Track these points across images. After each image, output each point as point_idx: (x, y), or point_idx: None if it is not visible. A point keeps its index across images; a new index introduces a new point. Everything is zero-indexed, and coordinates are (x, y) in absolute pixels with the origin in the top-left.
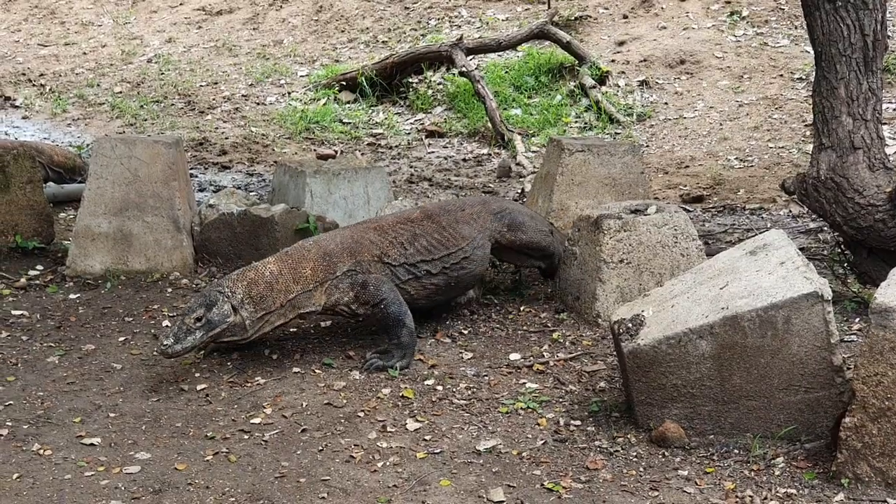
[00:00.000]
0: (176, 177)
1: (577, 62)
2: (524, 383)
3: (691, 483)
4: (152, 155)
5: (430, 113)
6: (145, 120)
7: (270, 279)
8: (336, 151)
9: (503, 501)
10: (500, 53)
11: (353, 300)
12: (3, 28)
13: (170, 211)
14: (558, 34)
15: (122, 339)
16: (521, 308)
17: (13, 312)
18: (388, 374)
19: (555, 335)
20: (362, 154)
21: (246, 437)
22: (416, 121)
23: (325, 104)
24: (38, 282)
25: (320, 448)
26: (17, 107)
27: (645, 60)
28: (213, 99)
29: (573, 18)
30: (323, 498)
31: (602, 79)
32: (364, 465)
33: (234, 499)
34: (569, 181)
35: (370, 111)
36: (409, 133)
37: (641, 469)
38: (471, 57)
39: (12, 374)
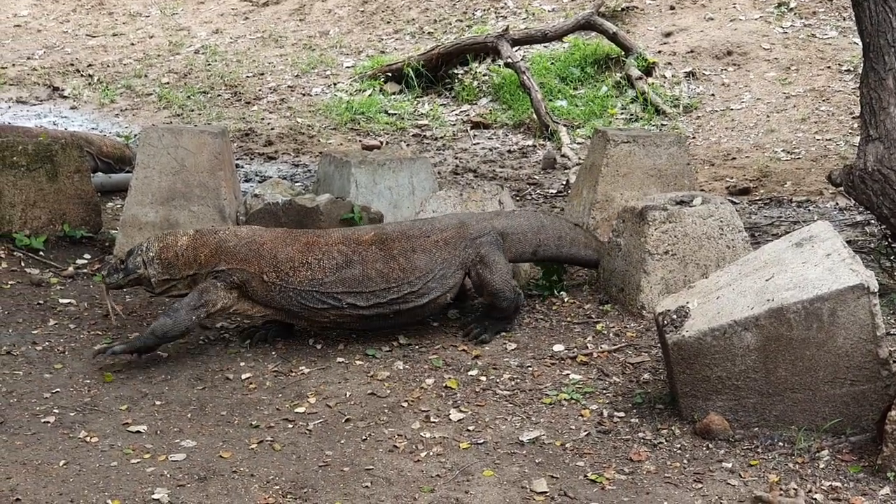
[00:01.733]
0: (222, 166)
1: (623, 53)
2: (568, 374)
3: (735, 475)
4: (198, 144)
5: (476, 104)
6: (192, 110)
7: (178, 251)
8: (381, 142)
9: (546, 492)
10: (546, 44)
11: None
12: (52, 19)
13: (215, 200)
14: (605, 25)
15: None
16: (565, 299)
17: (61, 301)
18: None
19: (598, 326)
20: (407, 145)
21: (290, 425)
22: (461, 112)
23: (370, 95)
24: (85, 270)
25: (364, 438)
26: (65, 97)
27: (692, 52)
28: (259, 90)
29: (620, 9)
30: (366, 487)
31: (648, 70)
32: (407, 454)
33: (278, 487)
34: (614, 172)
35: (415, 102)
36: (454, 124)
37: (685, 461)
38: (516, 48)
39: (60, 362)
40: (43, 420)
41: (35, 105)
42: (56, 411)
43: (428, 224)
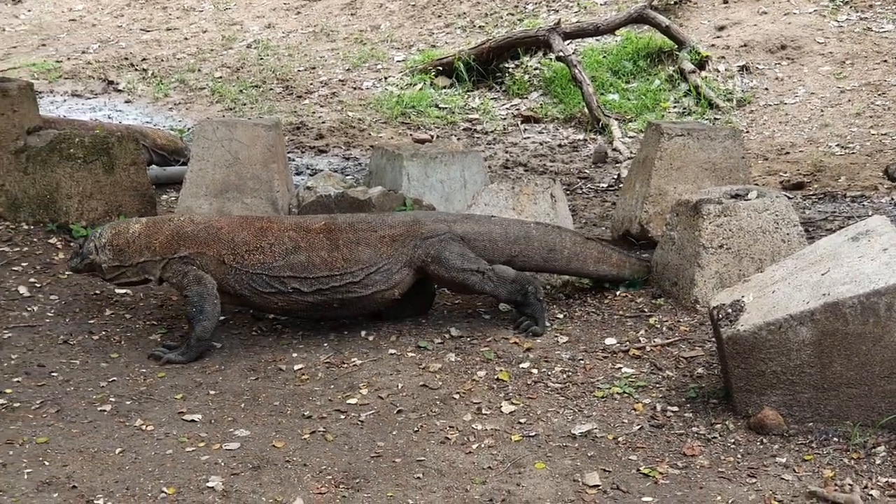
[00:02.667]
0: (275, 159)
1: (676, 47)
2: (620, 368)
3: (790, 470)
4: (252, 137)
5: (526, 98)
6: (244, 104)
7: (130, 238)
8: (431, 136)
9: (599, 486)
10: (598, 38)
11: (176, 284)
12: (107, 13)
13: (269, 193)
14: (657, 18)
15: (221, 318)
16: (618, 292)
17: (117, 291)
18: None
19: (651, 320)
20: (458, 139)
21: (342, 416)
22: (511, 106)
23: (421, 89)
24: None
25: (416, 429)
26: (119, 91)
27: (745, 45)
28: (311, 84)
29: (672, 2)
30: (418, 478)
31: (701, 64)
32: (459, 446)
33: (330, 477)
34: (667, 165)
35: (466, 96)
36: (504, 118)
37: (739, 456)
38: (568, 41)
39: (116, 352)
40: (99, 408)
41: (90, 98)
42: (112, 400)
43: (379, 219)
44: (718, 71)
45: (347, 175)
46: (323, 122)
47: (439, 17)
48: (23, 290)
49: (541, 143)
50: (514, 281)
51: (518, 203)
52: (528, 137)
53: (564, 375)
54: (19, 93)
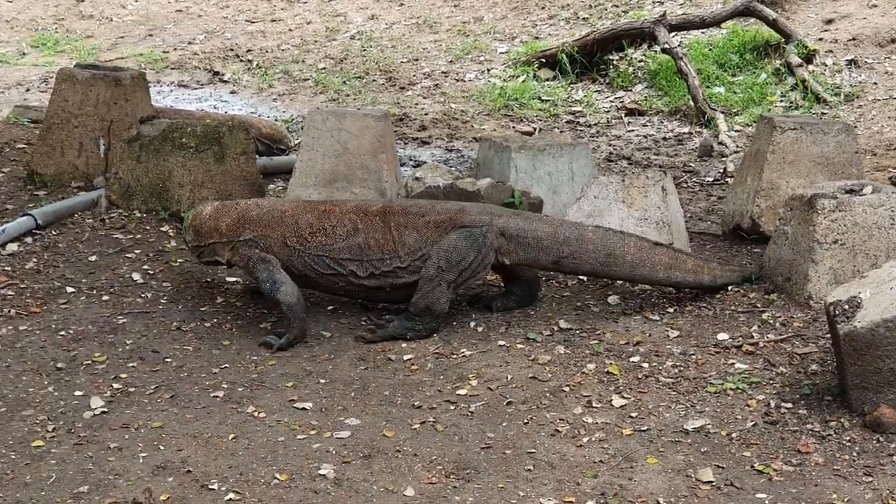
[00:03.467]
0: (384, 149)
1: (782, 40)
2: (733, 364)
3: None
4: (361, 128)
5: (631, 90)
6: (347, 95)
7: (203, 220)
8: (534, 129)
9: (712, 482)
10: (703, 30)
11: (244, 268)
12: (212, 4)
13: (377, 183)
14: (764, 11)
15: (330, 307)
16: (729, 287)
17: (227, 279)
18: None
19: (764, 316)
20: (561, 132)
21: (452, 407)
22: (615, 98)
23: (523, 81)
24: None
25: (525, 421)
26: (225, 81)
27: (854, 39)
28: (414, 75)
29: None
30: (529, 470)
31: (809, 57)
32: (570, 439)
33: (441, 467)
34: (780, 160)
35: (569, 89)
36: (608, 111)
37: (855, 454)
38: (673, 34)
39: (227, 339)
40: (212, 394)
41: (196, 89)
42: (225, 386)
43: (430, 205)
44: (826, 65)
45: (450, 167)
46: (426, 114)
47: (543, 8)
48: (136, 276)
49: (645, 136)
50: (430, 311)
51: (628, 196)
52: (632, 130)
53: (676, 370)
54: (132, 82)
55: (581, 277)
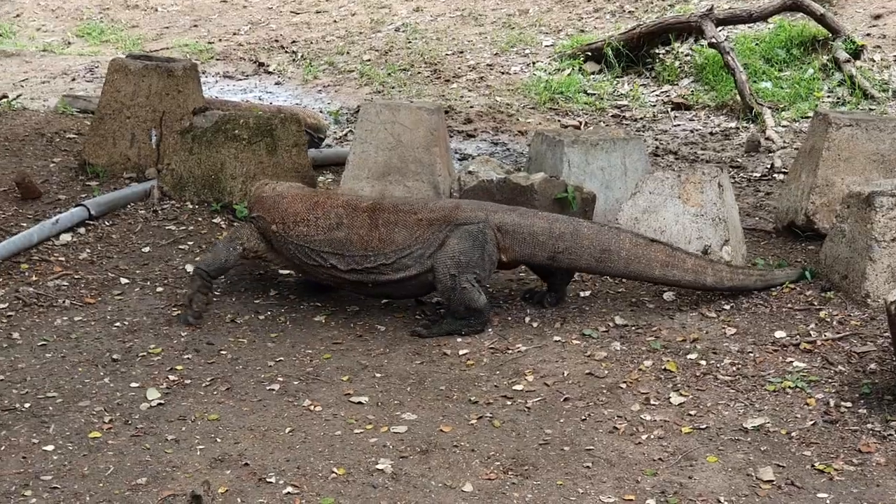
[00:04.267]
0: (437, 143)
1: (830, 35)
2: (791, 362)
3: None
4: (415, 121)
5: (677, 85)
6: (392, 87)
7: (248, 198)
8: (580, 122)
9: (773, 481)
10: (750, 25)
11: None
12: None
13: (430, 176)
14: (812, 6)
15: (384, 301)
16: (785, 284)
17: (281, 272)
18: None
19: (821, 314)
20: (606, 125)
21: (509, 402)
22: (661, 92)
23: (569, 74)
24: None
25: (583, 417)
26: (270, 73)
27: None
28: (459, 68)
29: None
30: (587, 467)
31: (856, 53)
32: (628, 436)
33: (498, 463)
34: (835, 156)
35: (615, 82)
36: (654, 105)
37: None
38: (720, 28)
39: (281, 332)
40: (268, 387)
41: (241, 80)
42: (280, 379)
43: (422, 202)
44: (874, 61)
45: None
46: (471, 107)
47: (588, 1)
48: (189, 268)
49: (691, 131)
50: (472, 309)
51: (684, 191)
52: (679, 125)
53: (734, 368)
54: (184, 73)
55: None
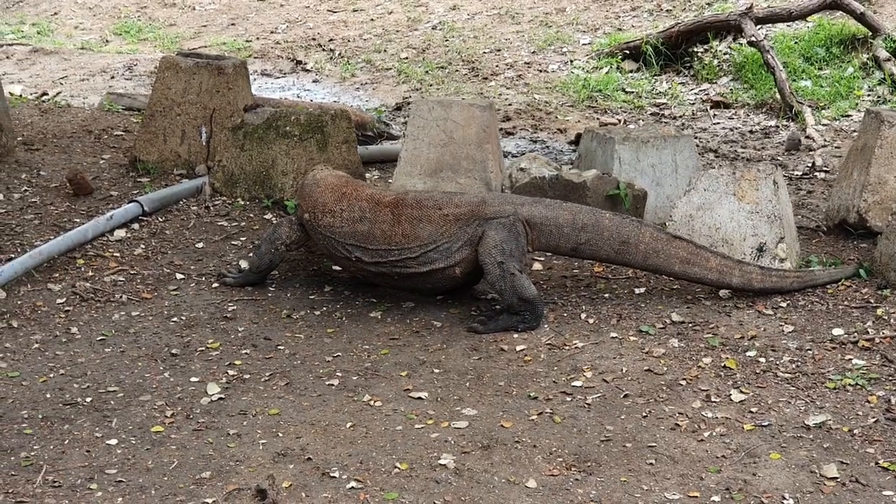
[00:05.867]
0: (489, 140)
1: (870, 34)
2: (850, 359)
3: None
4: (467, 118)
5: (716, 83)
6: (430, 85)
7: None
8: (619, 120)
9: (837, 478)
10: (789, 24)
11: None
12: None
13: (482, 173)
14: (852, 5)
15: (439, 297)
16: (841, 282)
17: (334, 268)
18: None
19: (878, 311)
20: (644, 123)
21: (568, 399)
22: (700, 91)
23: (607, 73)
24: None
25: (644, 414)
26: (307, 70)
27: None
28: (496, 66)
29: None
30: (651, 464)
31: None
32: (690, 433)
33: (561, 459)
34: (888, 154)
35: (653, 80)
36: (693, 103)
37: None
38: (759, 26)
39: (338, 327)
40: (327, 382)
41: (279, 78)
42: (339, 374)
43: (447, 197)
44: None
45: None
46: (509, 105)
47: (626, 0)
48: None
49: (731, 129)
50: (525, 300)
51: (739, 188)
52: (718, 123)
53: (793, 365)
54: (234, 71)
55: None
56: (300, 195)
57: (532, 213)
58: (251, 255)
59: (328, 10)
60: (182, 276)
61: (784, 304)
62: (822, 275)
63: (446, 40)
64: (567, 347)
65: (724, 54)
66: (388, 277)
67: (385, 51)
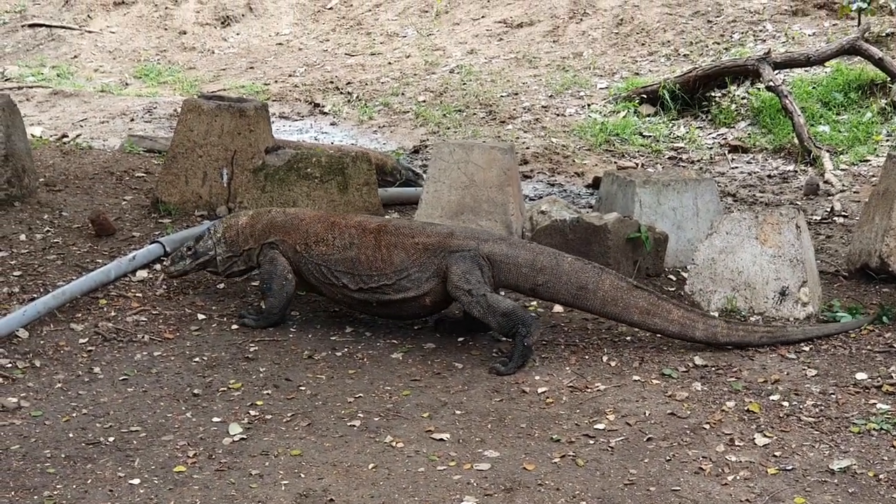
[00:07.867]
0: (510, 182)
1: (888, 79)
2: (874, 403)
3: None
4: (489, 160)
5: (733, 127)
6: (448, 128)
7: (239, 229)
8: (636, 164)
9: None
10: (807, 69)
11: (259, 265)
12: (313, 38)
13: (503, 216)
14: (870, 50)
15: (460, 339)
16: (863, 326)
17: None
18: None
19: None
20: (662, 168)
21: (591, 441)
22: (718, 135)
23: (624, 117)
24: None
25: (667, 458)
26: (325, 113)
27: None
28: (514, 109)
29: (884, 35)
30: None
31: None
32: (714, 477)
33: (584, 502)
34: None
35: (671, 125)
36: (710, 147)
37: None
38: (777, 71)
39: (359, 368)
40: (349, 423)
41: (297, 120)
42: (360, 415)
43: (421, 227)
44: None
45: None
46: (527, 148)
47: (643, 45)
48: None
49: (749, 174)
50: (505, 314)
51: (762, 232)
52: (736, 167)
53: (817, 409)
54: (255, 113)
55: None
56: (281, 232)
57: (493, 250)
58: (265, 299)
59: (346, 54)
60: (203, 317)
61: (807, 349)
62: (795, 332)
63: (464, 84)
64: (589, 390)
65: (742, 98)
66: (368, 305)
67: (402, 94)
